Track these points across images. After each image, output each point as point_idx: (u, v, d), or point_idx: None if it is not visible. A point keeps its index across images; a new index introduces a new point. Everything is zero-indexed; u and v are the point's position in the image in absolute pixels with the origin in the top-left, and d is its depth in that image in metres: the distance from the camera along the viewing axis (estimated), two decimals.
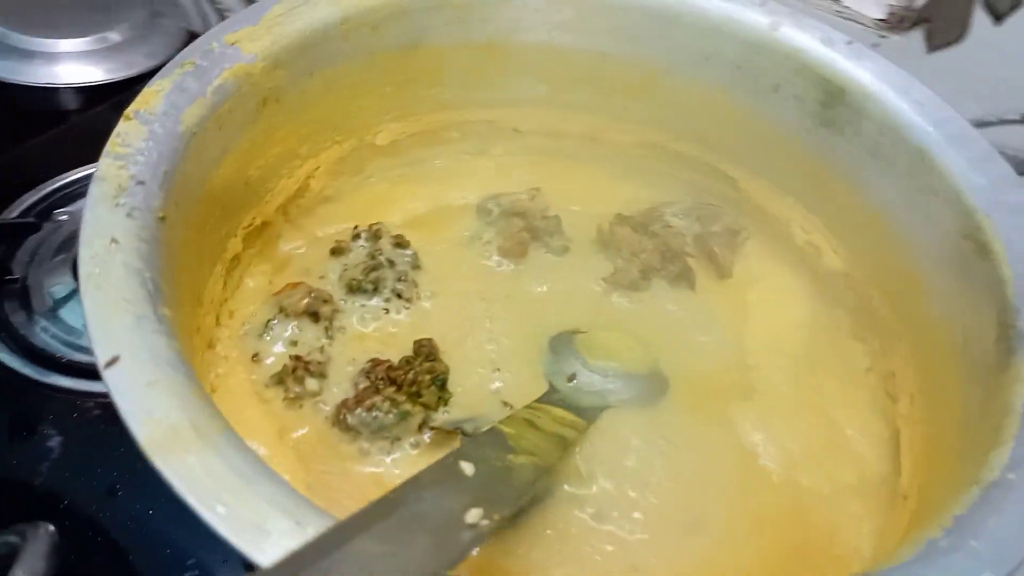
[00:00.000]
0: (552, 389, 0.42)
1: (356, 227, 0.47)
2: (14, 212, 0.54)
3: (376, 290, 0.45)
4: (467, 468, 0.30)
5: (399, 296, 0.45)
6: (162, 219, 0.33)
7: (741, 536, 0.39)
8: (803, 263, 0.49)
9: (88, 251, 0.30)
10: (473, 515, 0.27)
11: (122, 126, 0.34)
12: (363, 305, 0.44)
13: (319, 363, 0.41)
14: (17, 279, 0.51)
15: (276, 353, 0.42)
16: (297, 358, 0.41)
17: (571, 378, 0.42)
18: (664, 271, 0.49)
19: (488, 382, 0.42)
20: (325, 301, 0.43)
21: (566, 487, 0.38)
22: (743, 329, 0.47)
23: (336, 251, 0.46)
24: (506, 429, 0.35)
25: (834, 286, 0.47)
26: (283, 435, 0.39)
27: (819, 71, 0.44)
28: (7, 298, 0.50)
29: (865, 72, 0.42)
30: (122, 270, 0.30)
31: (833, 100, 0.44)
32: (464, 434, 0.39)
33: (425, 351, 0.42)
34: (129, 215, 0.32)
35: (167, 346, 0.28)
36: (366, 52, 0.45)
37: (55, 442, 0.44)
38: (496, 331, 0.45)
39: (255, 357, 0.41)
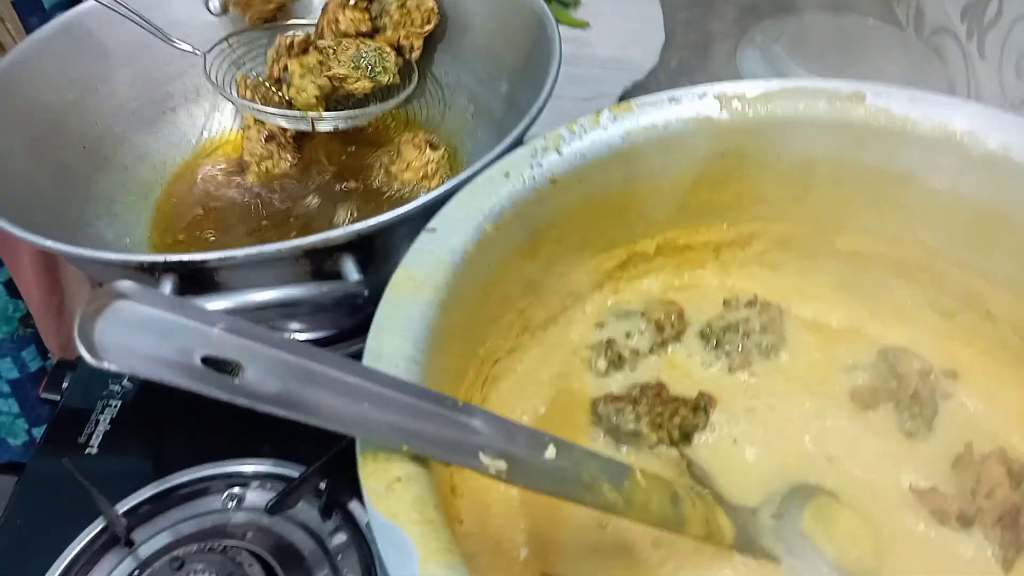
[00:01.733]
0: (746, 507, 0.42)
1: (756, 296, 0.51)
2: None
3: (717, 345, 0.49)
4: (550, 451, 0.36)
5: (727, 357, 0.49)
6: (553, 182, 0.45)
7: None
8: None
9: (488, 170, 0.44)
10: (487, 460, 0.34)
11: (586, 117, 0.47)
12: (700, 348, 0.50)
13: (622, 357, 0.49)
14: None
15: (612, 332, 0.51)
16: (611, 341, 0.49)
17: (775, 516, 0.41)
18: (992, 529, 0.40)
19: (720, 461, 0.44)
20: (674, 325, 0.50)
21: None
22: None
23: (726, 303, 0.52)
24: (640, 478, 0.38)
25: None
26: (557, 379, 0.49)
27: None
28: None
29: None
30: (499, 184, 0.43)
31: None
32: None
33: (702, 403, 0.46)
34: (531, 166, 0.45)
35: (467, 246, 0.41)
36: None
37: None
38: (773, 441, 0.45)
39: (599, 324, 0.51)
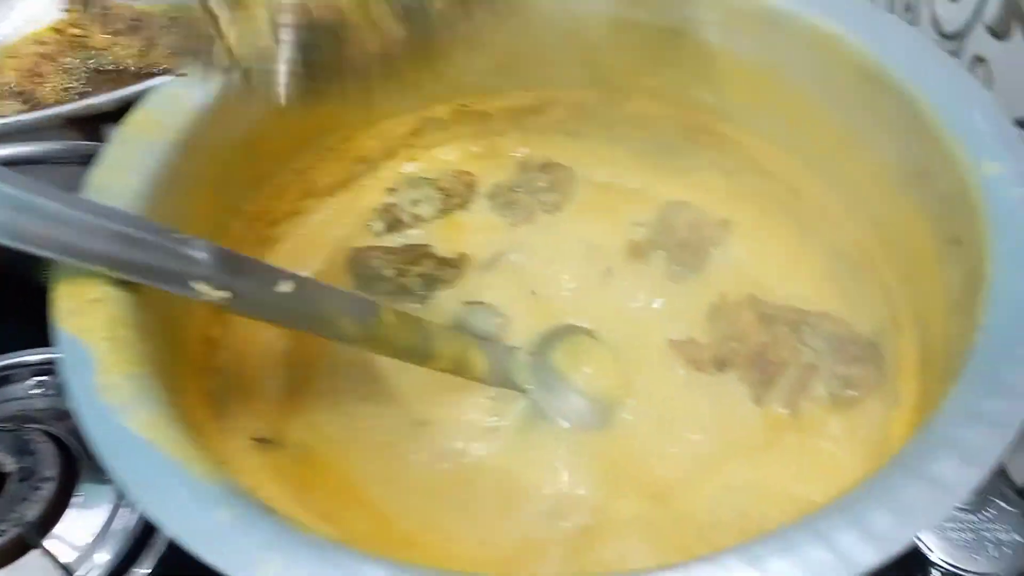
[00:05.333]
0: (506, 345, 0.42)
1: (550, 159, 0.51)
2: None
3: (504, 205, 0.50)
4: (285, 286, 0.35)
5: (512, 214, 0.49)
6: None
7: None
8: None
9: None
10: (202, 289, 0.33)
11: None
12: (486, 208, 0.50)
13: (401, 220, 0.49)
14: None
15: (401, 199, 0.50)
16: (391, 205, 0.50)
17: (532, 353, 0.42)
18: (743, 372, 0.42)
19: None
20: (461, 194, 0.50)
21: None
22: (767, 466, 0.39)
23: (521, 167, 0.52)
24: (390, 316, 0.38)
25: None
26: (340, 240, 0.48)
27: None
28: None
29: None
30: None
31: None
32: None
33: (459, 261, 0.47)
34: None
35: (219, 92, 0.40)
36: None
37: None
38: (543, 288, 0.46)
39: (391, 189, 0.51)
